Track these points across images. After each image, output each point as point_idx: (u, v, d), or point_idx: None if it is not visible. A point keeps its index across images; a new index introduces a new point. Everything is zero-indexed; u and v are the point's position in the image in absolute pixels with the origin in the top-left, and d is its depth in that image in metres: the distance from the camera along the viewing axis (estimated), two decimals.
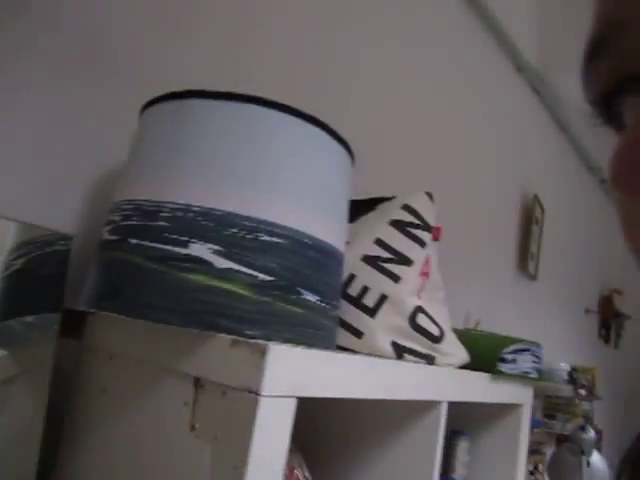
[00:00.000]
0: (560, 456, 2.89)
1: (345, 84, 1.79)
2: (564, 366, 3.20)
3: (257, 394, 0.66)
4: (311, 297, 0.81)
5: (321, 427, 1.23)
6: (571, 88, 2.85)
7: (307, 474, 0.98)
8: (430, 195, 1.21)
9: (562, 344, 3.66)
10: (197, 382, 0.73)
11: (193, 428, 0.72)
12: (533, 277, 3.23)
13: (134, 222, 0.78)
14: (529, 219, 3.19)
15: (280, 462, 0.71)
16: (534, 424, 2.60)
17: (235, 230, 0.75)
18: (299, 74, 1.60)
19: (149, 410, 0.81)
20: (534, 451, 2.70)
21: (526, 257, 3.13)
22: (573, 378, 3.24)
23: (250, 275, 0.75)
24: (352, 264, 1.11)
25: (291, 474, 0.90)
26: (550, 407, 3.36)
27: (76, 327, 0.96)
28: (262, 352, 0.68)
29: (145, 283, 0.74)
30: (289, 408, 0.71)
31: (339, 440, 1.21)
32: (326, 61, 1.71)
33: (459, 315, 2.19)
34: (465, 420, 1.49)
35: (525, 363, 1.46)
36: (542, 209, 3.31)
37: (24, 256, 1.04)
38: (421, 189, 1.22)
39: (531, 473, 2.69)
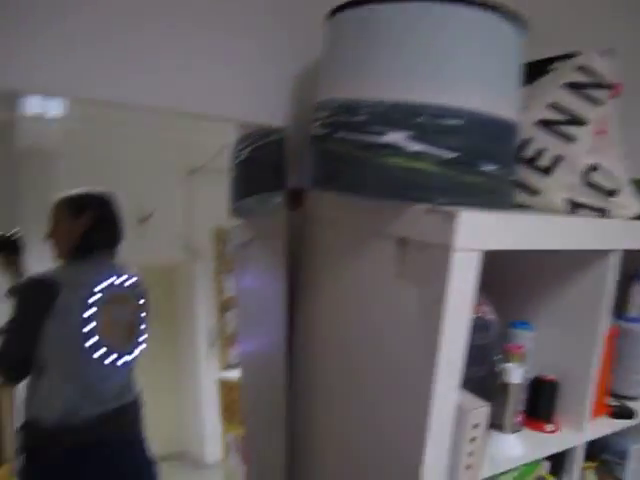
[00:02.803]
0: None
1: None
2: None
3: (451, 249, 0.85)
4: (491, 167, 0.95)
5: (503, 275, 1.41)
6: None
7: (490, 310, 1.18)
8: (611, 51, 1.20)
9: None
10: (401, 241, 0.94)
11: (401, 276, 0.95)
12: None
13: (338, 118, 0.97)
14: None
15: (470, 299, 0.91)
16: None
17: (424, 117, 0.90)
18: None
19: (363, 264, 1.05)
20: None
21: None
22: None
23: (437, 154, 0.90)
24: (527, 129, 1.19)
25: (479, 308, 1.11)
26: None
27: (298, 203, 1.21)
28: (453, 216, 0.85)
29: (353, 168, 0.94)
30: (476, 259, 0.89)
31: (518, 286, 1.38)
32: None
33: None
34: None
35: None
36: None
37: (249, 147, 1.31)
38: (599, 45, 1.21)
39: None
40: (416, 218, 0.92)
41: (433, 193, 0.91)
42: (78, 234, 1.33)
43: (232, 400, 3.00)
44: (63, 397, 1.25)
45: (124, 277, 1.39)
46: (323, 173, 1.02)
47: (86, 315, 1.27)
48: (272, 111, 1.22)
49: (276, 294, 1.25)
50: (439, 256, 0.87)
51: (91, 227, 1.35)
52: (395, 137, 0.91)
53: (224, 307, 3.67)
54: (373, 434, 1.03)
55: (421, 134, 0.90)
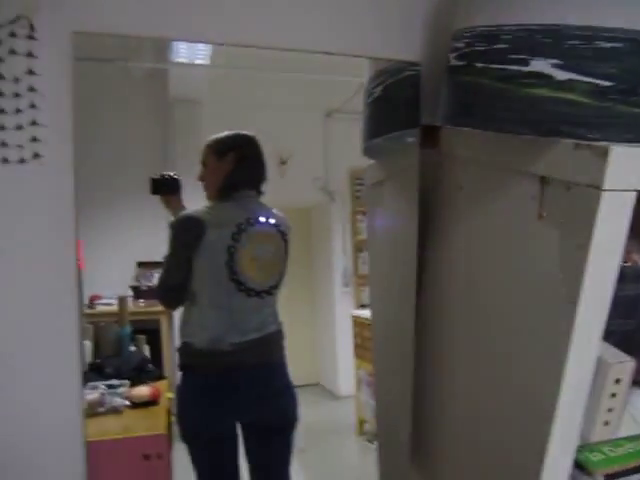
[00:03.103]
0: None
1: None
2: None
3: (599, 189, 0.77)
4: None
5: None
6: None
7: None
8: None
9: None
10: (543, 180, 0.88)
11: (541, 217, 0.88)
12: None
13: (477, 48, 0.91)
14: None
15: (619, 246, 0.82)
16: None
17: (573, 42, 0.80)
18: None
19: (500, 204, 1.00)
20: None
21: None
22: None
23: (590, 83, 0.81)
24: None
25: (628, 256, 1.01)
26: None
27: (432, 140, 1.17)
28: (604, 153, 0.77)
29: (493, 100, 0.88)
30: (629, 201, 0.80)
31: None
32: None
33: None
34: None
35: None
36: None
37: (381, 84, 1.28)
38: None
39: None
40: (562, 155, 0.84)
41: (583, 127, 0.82)
42: (223, 175, 1.42)
43: (364, 338, 3.10)
44: (210, 325, 1.38)
45: (268, 216, 1.46)
46: (460, 108, 0.97)
47: (230, 251, 1.37)
48: (406, 45, 1.17)
49: (407, 235, 1.23)
50: (586, 197, 0.79)
51: (235, 168, 1.43)
52: (541, 65, 0.83)
53: (359, 247, 3.75)
54: (502, 384, 1.00)
55: (571, 61, 0.81)
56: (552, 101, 0.83)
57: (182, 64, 3.40)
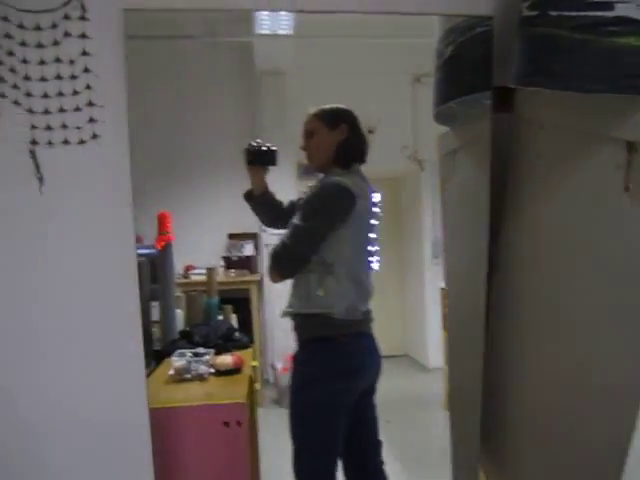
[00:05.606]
0: None
1: None
2: None
3: None
4: None
5: None
6: None
7: None
8: None
9: None
10: (630, 146, 0.75)
11: (627, 189, 0.76)
12: None
13: None
14: None
15: None
16: None
17: None
18: None
19: (582, 174, 0.87)
20: None
21: None
22: None
23: None
24: None
25: None
26: None
27: (506, 103, 1.05)
28: None
29: (572, 55, 0.76)
30: None
31: None
32: None
33: None
34: None
35: None
36: None
37: (452, 43, 1.17)
38: None
39: None
40: None
41: None
42: (335, 146, 1.40)
43: None
44: (348, 295, 1.38)
45: (372, 191, 1.46)
46: (533, 65, 0.85)
47: (369, 222, 1.41)
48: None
49: (479, 210, 1.13)
50: None
51: (347, 139, 1.40)
52: (629, 9, 0.70)
53: None
54: (582, 382, 0.90)
55: None
56: None
57: (265, 36, 3.39)
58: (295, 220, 1.35)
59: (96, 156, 0.99)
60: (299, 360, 1.41)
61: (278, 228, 1.57)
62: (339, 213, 1.34)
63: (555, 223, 0.96)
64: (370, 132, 3.59)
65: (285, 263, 1.37)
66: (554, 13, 0.78)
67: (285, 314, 1.43)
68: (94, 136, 0.98)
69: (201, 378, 1.57)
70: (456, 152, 1.34)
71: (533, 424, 1.05)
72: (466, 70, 1.16)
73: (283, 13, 3.13)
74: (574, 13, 0.75)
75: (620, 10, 0.70)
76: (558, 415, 0.96)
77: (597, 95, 0.76)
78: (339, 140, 1.41)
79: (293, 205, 1.53)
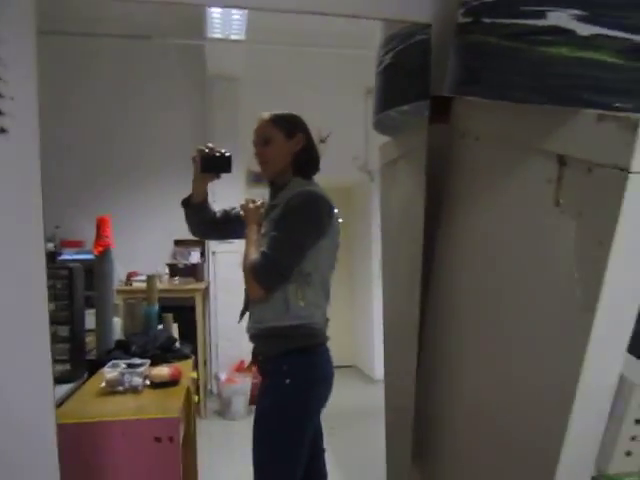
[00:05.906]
0: None
1: None
2: None
3: (626, 171, 0.62)
4: None
5: None
6: None
7: None
8: None
9: None
10: (561, 159, 0.73)
11: (558, 204, 0.74)
12: None
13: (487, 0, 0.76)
14: None
15: None
16: None
17: None
18: None
19: (513, 188, 0.85)
20: None
21: None
22: None
23: (621, 39, 0.65)
24: None
25: None
26: None
27: (443, 113, 1.03)
28: (633, 126, 0.61)
29: (502, 63, 0.73)
30: None
31: None
32: None
33: None
34: None
35: None
36: None
37: (391, 50, 1.14)
38: None
39: None
40: (582, 128, 0.69)
41: (609, 94, 0.67)
42: (291, 155, 1.34)
43: None
44: (321, 303, 1.38)
45: None
46: (466, 74, 0.82)
47: (339, 231, 1.40)
48: (417, 4, 1.02)
49: (415, 222, 1.10)
50: (609, 180, 0.65)
51: (303, 149, 1.37)
52: (560, 18, 0.68)
53: None
54: (512, 390, 0.87)
55: (597, 11, 0.66)
56: (574, 62, 0.68)
57: (217, 40, 3.32)
58: (276, 232, 1.31)
59: (2, 152, 0.90)
60: (278, 372, 1.33)
61: (207, 239, 1.53)
62: (322, 224, 1.32)
63: (490, 236, 0.94)
64: (322, 142, 3.57)
65: (270, 276, 1.32)
66: (487, 20, 0.75)
67: (255, 330, 1.38)
68: (2, 130, 0.89)
69: (135, 390, 1.49)
70: (396, 162, 1.31)
71: (469, 426, 1.03)
72: (404, 78, 1.13)
73: (235, 17, 3.09)
74: (507, 21, 0.73)
75: (553, 19, 0.68)
76: (493, 417, 0.94)
77: (530, 106, 0.73)
78: (295, 150, 1.37)
79: (227, 215, 1.47)
